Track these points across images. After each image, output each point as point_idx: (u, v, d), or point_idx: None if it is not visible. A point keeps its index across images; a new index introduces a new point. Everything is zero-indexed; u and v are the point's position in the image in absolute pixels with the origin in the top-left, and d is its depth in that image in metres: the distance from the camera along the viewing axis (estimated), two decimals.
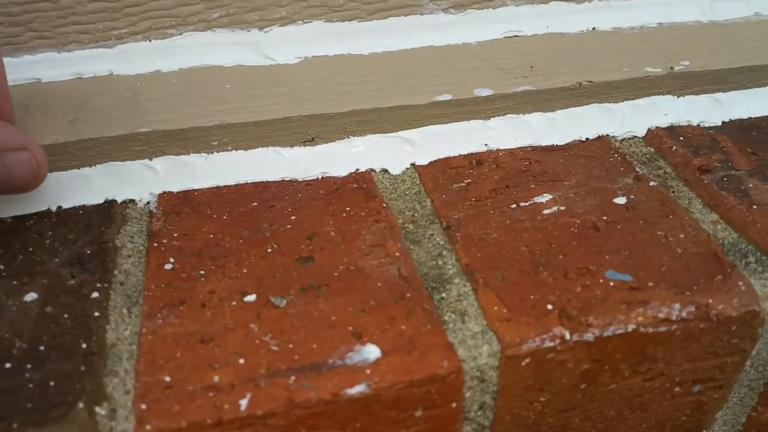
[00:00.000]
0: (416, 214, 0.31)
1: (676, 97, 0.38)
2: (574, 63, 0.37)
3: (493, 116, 0.35)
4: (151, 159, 0.32)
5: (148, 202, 0.31)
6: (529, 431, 0.26)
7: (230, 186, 0.33)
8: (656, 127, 0.37)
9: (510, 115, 0.35)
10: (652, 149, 0.36)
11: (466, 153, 0.35)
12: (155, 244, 0.29)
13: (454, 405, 0.24)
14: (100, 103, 0.32)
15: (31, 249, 0.29)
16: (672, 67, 0.37)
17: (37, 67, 0.34)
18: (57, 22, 0.33)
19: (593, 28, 0.41)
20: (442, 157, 0.34)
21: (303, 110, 0.33)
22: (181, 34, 0.35)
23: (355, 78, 0.35)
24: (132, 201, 0.31)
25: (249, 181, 0.33)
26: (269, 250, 0.29)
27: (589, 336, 0.24)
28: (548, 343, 0.24)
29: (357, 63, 0.36)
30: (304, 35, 0.37)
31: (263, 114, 0.32)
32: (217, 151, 0.33)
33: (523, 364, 0.24)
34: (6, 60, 0.34)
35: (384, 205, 0.31)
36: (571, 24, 0.40)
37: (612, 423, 0.28)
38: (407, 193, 0.33)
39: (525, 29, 0.39)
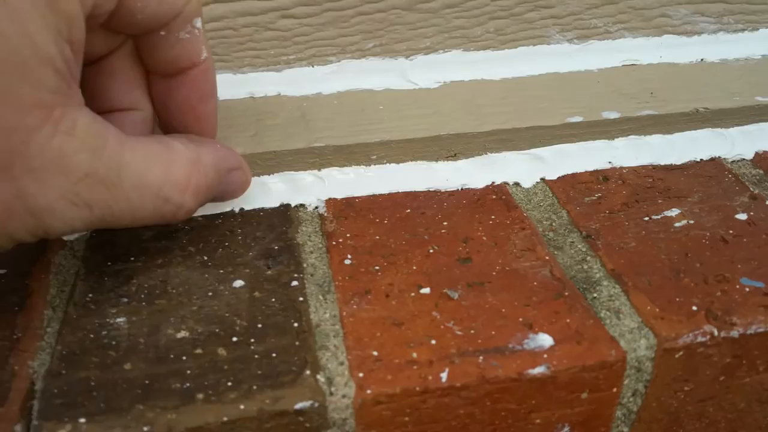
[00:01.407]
0: (554, 224, 0.35)
1: None
2: (688, 91, 0.41)
3: (617, 137, 0.39)
4: (319, 170, 0.36)
5: (316, 207, 0.36)
6: (669, 417, 0.30)
7: (385, 194, 0.37)
8: (764, 151, 0.40)
9: (632, 136, 0.39)
10: (761, 171, 0.39)
11: (593, 169, 0.38)
12: (333, 243, 0.33)
13: (614, 390, 0.27)
14: (275, 121, 0.37)
15: (227, 243, 0.33)
16: None
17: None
18: (236, 47, 0.38)
19: (702, 59, 0.44)
20: (570, 172, 0.38)
21: (450, 129, 0.37)
22: (339, 61, 0.40)
23: (492, 101, 0.39)
24: (302, 205, 0.36)
25: (400, 191, 0.37)
26: (431, 251, 0.33)
27: (734, 333, 0.28)
28: (700, 339, 0.27)
29: (490, 87, 0.41)
30: (442, 62, 0.41)
31: (415, 132, 0.37)
32: (375, 164, 0.37)
33: (676, 356, 0.27)
34: None
35: (525, 214, 0.35)
36: (682, 55, 0.44)
37: (740, 414, 0.31)
38: (541, 204, 0.36)
39: (641, 59, 0.43)
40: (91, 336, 0.28)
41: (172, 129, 0.32)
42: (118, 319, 0.29)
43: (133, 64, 0.30)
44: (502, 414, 0.27)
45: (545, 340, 0.27)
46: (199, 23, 0.29)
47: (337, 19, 0.38)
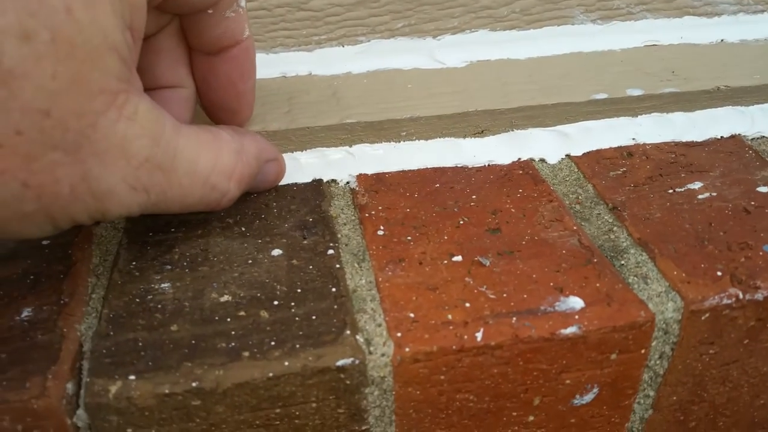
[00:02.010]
0: (580, 197, 0.36)
1: None
2: (709, 70, 0.42)
3: (641, 114, 0.40)
4: (350, 146, 0.37)
5: (348, 182, 0.37)
6: (694, 381, 0.31)
7: (414, 170, 0.38)
8: None
9: (655, 114, 0.40)
10: None
11: (617, 146, 0.39)
12: (366, 215, 0.34)
13: (642, 351, 0.28)
14: (307, 99, 0.38)
15: (263, 216, 0.34)
16: None
17: None
18: (269, 27, 0.39)
19: (722, 40, 0.45)
20: (594, 149, 0.39)
21: (478, 106, 0.38)
22: (369, 40, 0.41)
23: (518, 79, 0.40)
24: (334, 181, 0.37)
25: (429, 166, 0.38)
26: (461, 222, 0.34)
27: (759, 296, 0.28)
28: (726, 301, 0.28)
29: (516, 66, 0.41)
30: (469, 42, 0.42)
31: (444, 109, 0.38)
32: (404, 141, 0.38)
33: (702, 318, 0.28)
34: None
35: (551, 188, 0.36)
36: (703, 35, 0.45)
37: (763, 379, 0.32)
38: (567, 179, 0.37)
39: (662, 39, 0.44)
40: (137, 300, 0.29)
41: (213, 106, 0.33)
42: (163, 285, 0.30)
43: (179, 42, 0.31)
44: (534, 374, 0.28)
45: (576, 302, 0.28)
46: (243, 2, 0.30)
47: (368, 0, 0.39)
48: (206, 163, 0.28)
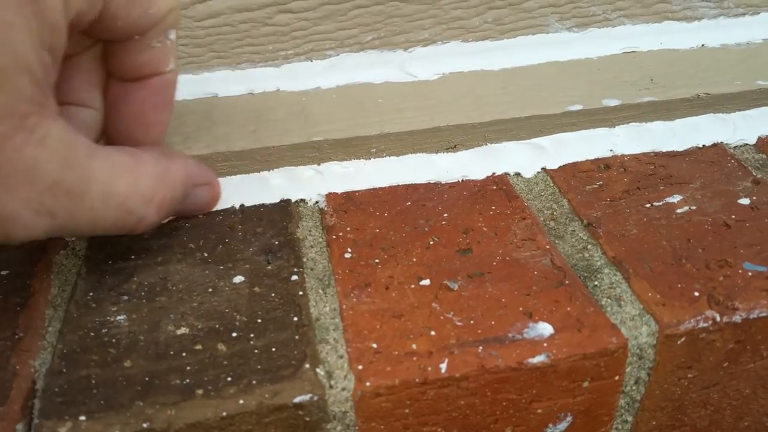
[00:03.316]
0: (555, 213, 0.35)
1: None
2: (689, 76, 0.41)
3: (618, 124, 0.39)
4: (319, 164, 0.36)
5: (316, 201, 0.36)
6: (673, 405, 0.30)
7: (385, 187, 0.37)
8: (767, 135, 0.40)
9: (633, 123, 0.39)
10: (764, 155, 0.39)
11: (594, 158, 0.38)
12: (333, 237, 0.33)
13: (616, 378, 0.27)
14: (275, 116, 0.37)
15: (227, 240, 0.33)
16: None
17: (215, 84, 0.39)
18: (234, 43, 0.38)
19: (702, 45, 0.44)
20: (570, 161, 0.38)
21: (450, 120, 0.37)
22: (337, 54, 0.40)
23: (492, 91, 0.39)
24: (303, 200, 0.36)
25: (400, 183, 0.37)
26: (431, 243, 0.33)
27: (737, 318, 0.27)
28: (702, 324, 0.27)
29: (490, 78, 0.40)
30: (442, 54, 0.41)
31: (415, 124, 0.37)
32: (374, 158, 0.37)
33: (678, 342, 0.27)
34: (187, 77, 0.39)
35: (525, 204, 0.35)
36: (683, 41, 0.44)
37: (746, 401, 0.31)
38: (542, 194, 0.36)
39: (641, 46, 0.43)
40: (92, 334, 0.28)
41: (117, 134, 0.32)
42: (119, 317, 0.29)
43: (99, 65, 0.30)
44: (503, 404, 0.27)
45: (545, 328, 0.27)
46: (173, 35, 0.29)
47: (335, 13, 0.38)
48: (123, 187, 0.27)
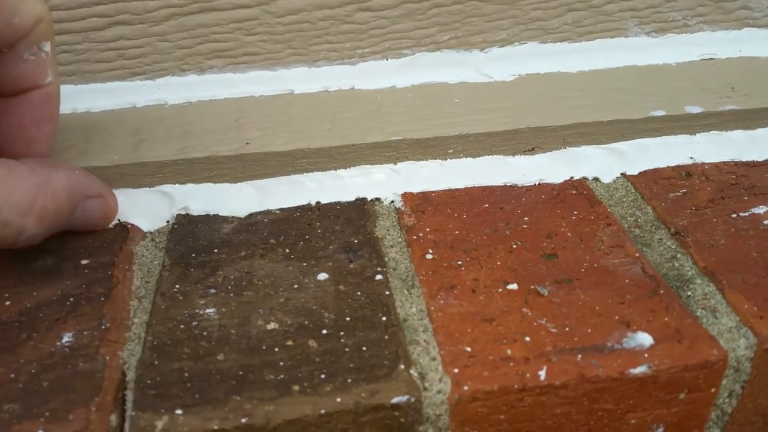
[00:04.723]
0: (639, 220, 0.34)
1: None
2: None
3: (699, 132, 0.38)
4: (395, 163, 0.36)
5: (392, 201, 0.36)
6: (764, 420, 0.29)
7: (461, 189, 0.36)
8: None
9: (714, 132, 0.38)
10: None
11: (674, 165, 0.37)
12: (414, 237, 0.33)
13: (712, 390, 0.27)
14: (351, 114, 0.37)
15: (307, 236, 0.33)
16: None
17: (292, 81, 0.39)
18: (312, 41, 0.38)
19: None
20: (651, 168, 0.37)
21: (529, 122, 0.36)
22: (413, 54, 0.39)
23: (570, 94, 0.38)
24: (378, 199, 0.36)
25: (477, 185, 0.36)
26: (514, 246, 0.32)
27: None
28: None
29: (567, 80, 0.40)
30: (518, 55, 0.40)
31: (493, 126, 0.36)
32: (451, 158, 0.37)
33: None
34: (263, 73, 0.39)
35: (609, 210, 0.34)
36: (763, 48, 0.43)
37: None
38: (623, 200, 0.36)
39: (719, 53, 0.42)
40: (182, 326, 0.28)
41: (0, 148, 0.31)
42: (208, 310, 0.29)
43: None
44: (598, 414, 0.26)
45: (645, 339, 0.26)
46: (47, 47, 0.28)
47: (414, 12, 0.38)
48: None
